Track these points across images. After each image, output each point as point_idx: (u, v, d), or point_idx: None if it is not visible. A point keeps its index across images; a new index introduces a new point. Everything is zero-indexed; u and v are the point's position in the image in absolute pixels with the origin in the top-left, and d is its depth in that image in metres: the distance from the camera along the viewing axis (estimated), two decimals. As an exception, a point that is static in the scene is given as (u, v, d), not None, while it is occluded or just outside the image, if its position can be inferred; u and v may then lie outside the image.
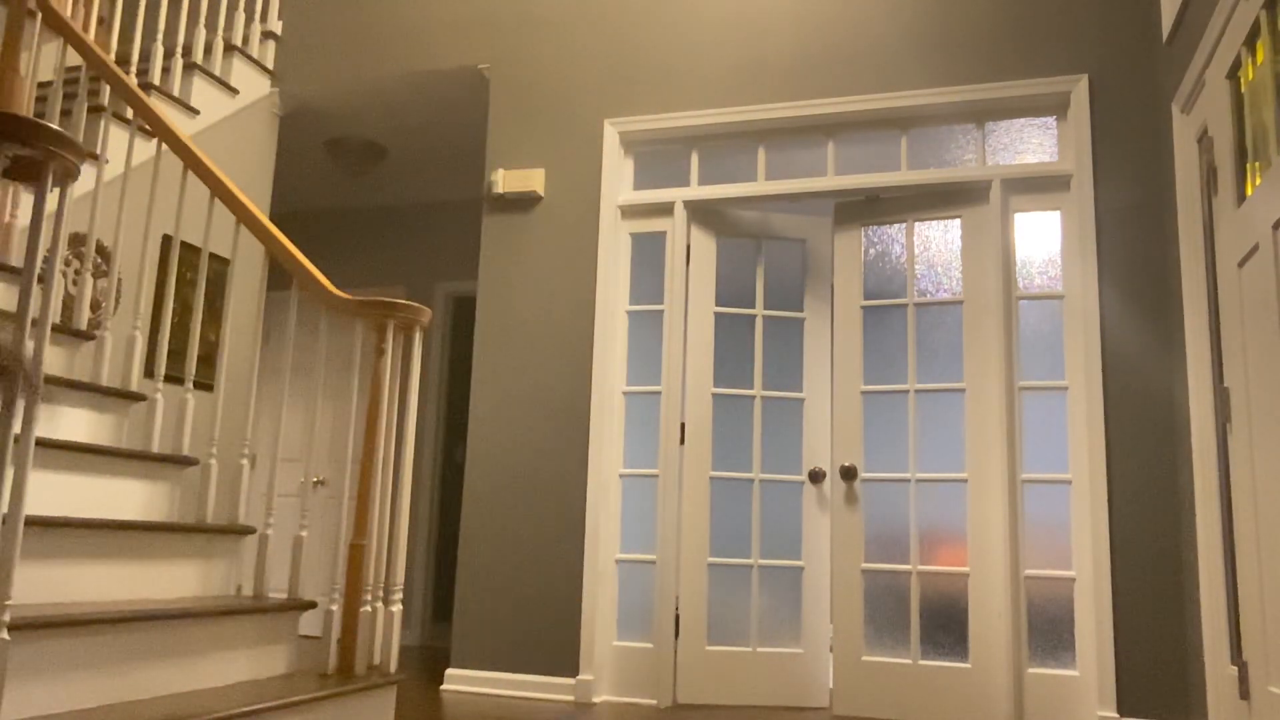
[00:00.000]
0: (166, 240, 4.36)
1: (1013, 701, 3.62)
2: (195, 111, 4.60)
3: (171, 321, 3.59)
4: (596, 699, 4.06)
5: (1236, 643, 2.93)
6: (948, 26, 4.13)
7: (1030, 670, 3.67)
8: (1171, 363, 3.61)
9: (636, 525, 4.24)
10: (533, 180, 4.52)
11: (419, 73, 4.93)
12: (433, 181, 6.36)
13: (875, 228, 4.28)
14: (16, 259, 3.60)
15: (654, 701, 4.03)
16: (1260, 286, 2.59)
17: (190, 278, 4.47)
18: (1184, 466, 3.46)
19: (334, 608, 2.87)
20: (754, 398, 4.30)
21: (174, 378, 4.24)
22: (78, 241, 4.05)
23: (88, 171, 3.89)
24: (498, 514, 4.32)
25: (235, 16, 5.00)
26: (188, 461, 3.11)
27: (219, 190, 3.18)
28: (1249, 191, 2.76)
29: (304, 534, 2.99)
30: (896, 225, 4.24)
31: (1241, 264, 2.76)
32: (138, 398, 3.22)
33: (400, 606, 3.01)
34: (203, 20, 4.77)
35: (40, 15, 3.61)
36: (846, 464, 4.09)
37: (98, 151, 3.66)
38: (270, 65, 5.18)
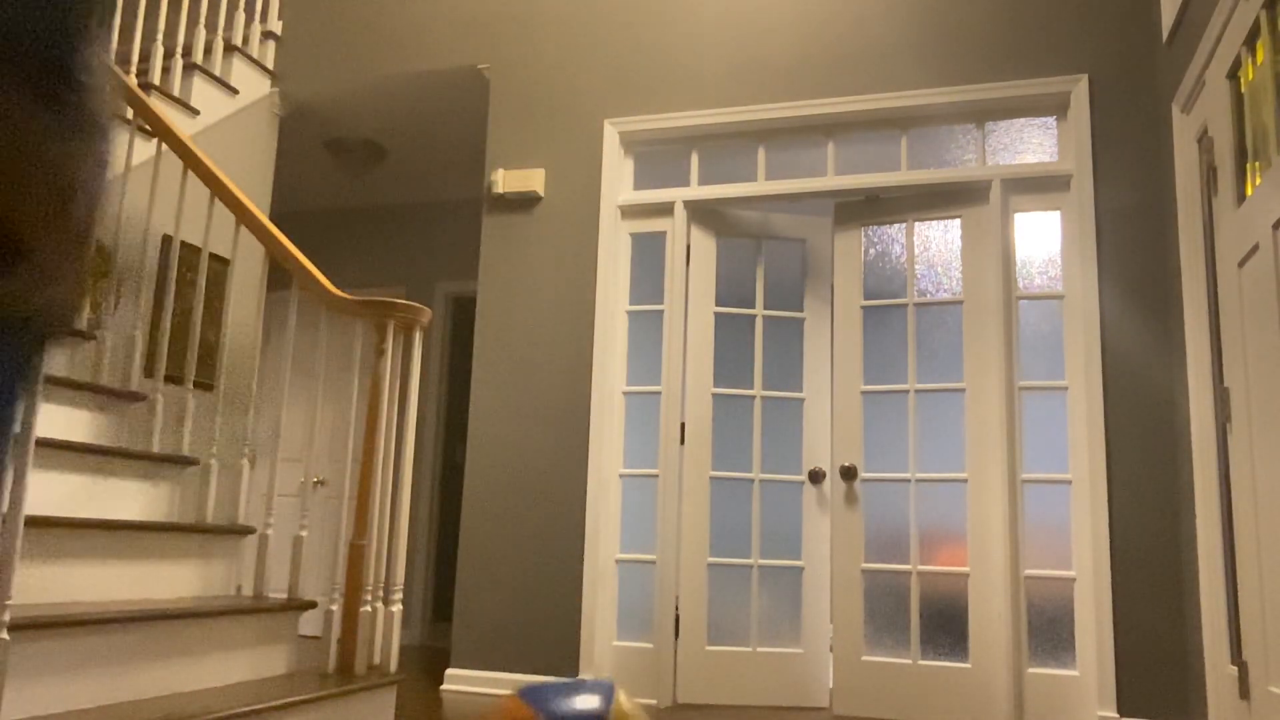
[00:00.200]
0: (166, 240, 4.36)
1: (1013, 701, 3.62)
2: (195, 111, 4.60)
3: (171, 321, 3.59)
4: (596, 699, 4.06)
5: (1236, 643, 2.93)
6: (947, 26, 4.13)
7: (1030, 670, 3.67)
8: (1171, 363, 3.61)
9: (636, 525, 4.24)
10: (533, 180, 4.52)
11: (419, 73, 4.93)
12: (433, 181, 6.36)
13: (875, 228, 4.28)
14: (16, 259, 3.59)
15: (654, 701, 4.03)
16: (1260, 286, 2.59)
17: (190, 278, 4.47)
18: (1184, 466, 3.46)
19: (334, 608, 2.87)
20: (754, 398, 4.30)
21: (174, 378, 4.24)
22: (78, 241, 4.04)
23: (88, 171, 3.88)
24: (498, 514, 4.32)
25: (235, 16, 5.00)
26: (188, 461, 3.11)
27: (219, 190, 3.18)
28: (1249, 191, 2.76)
29: (304, 534, 2.99)
30: (896, 225, 4.24)
31: (1241, 264, 2.76)
32: (138, 398, 3.22)
33: (400, 606, 3.01)
34: (203, 20, 4.77)
35: (40, 15, 3.61)
36: (846, 464, 4.09)
37: (98, 151, 3.65)
38: (270, 65, 5.18)
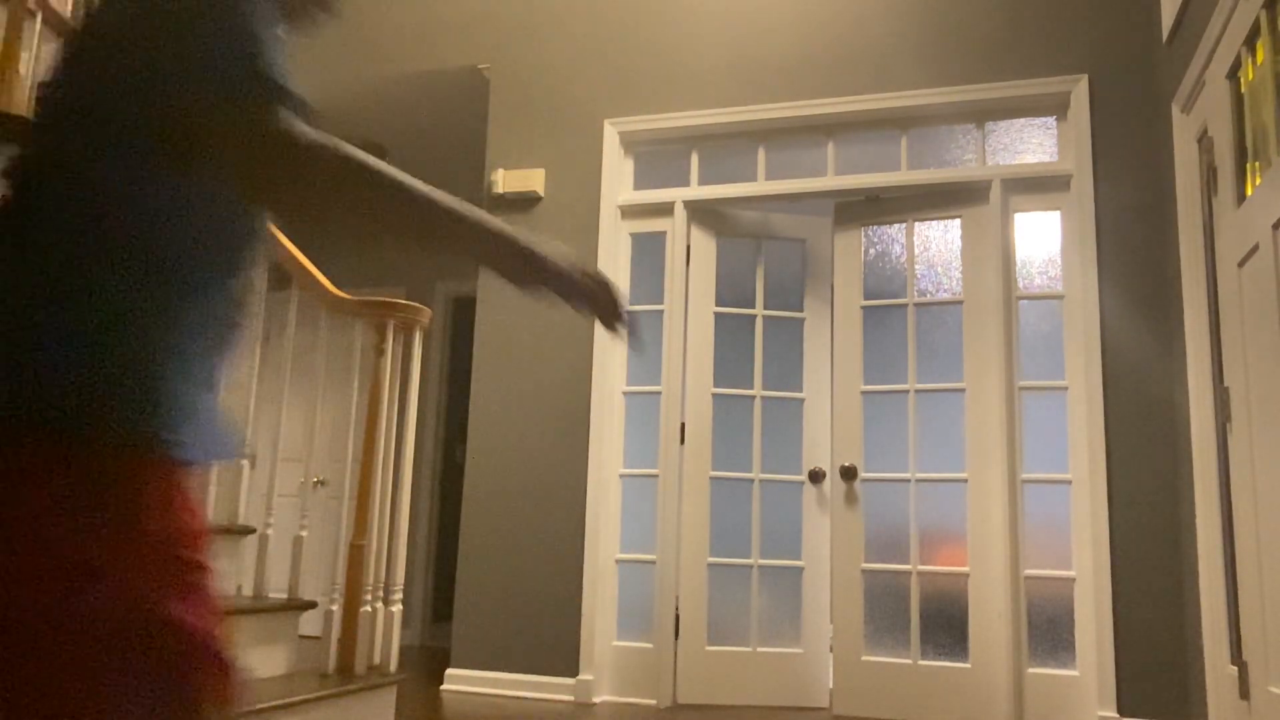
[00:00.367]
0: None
1: (1013, 701, 3.62)
2: (195, 111, 4.60)
3: (171, 321, 3.59)
4: (596, 699, 4.06)
5: (1236, 643, 2.92)
6: (947, 26, 4.13)
7: (1030, 670, 3.67)
8: (1171, 362, 3.61)
9: (636, 525, 4.24)
10: (533, 180, 4.52)
11: (419, 73, 4.93)
12: (433, 181, 6.36)
13: (875, 228, 4.28)
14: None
15: (654, 701, 4.03)
16: (1260, 286, 2.59)
17: (190, 278, 4.46)
18: (1184, 466, 3.45)
19: (334, 608, 2.86)
20: (754, 398, 4.30)
21: (174, 378, 4.24)
22: (78, 241, 4.04)
23: (88, 171, 3.88)
24: (498, 514, 4.32)
25: (235, 16, 5.00)
26: (188, 461, 3.11)
27: (219, 190, 3.18)
28: (1249, 191, 2.76)
29: (304, 534, 2.99)
30: (896, 225, 4.24)
31: (1241, 264, 2.76)
32: (138, 398, 3.21)
33: (400, 606, 3.01)
34: (203, 20, 4.77)
35: (40, 15, 3.61)
36: (846, 464, 4.09)
37: (98, 151, 3.65)
38: (270, 65, 5.18)
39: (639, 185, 4.55)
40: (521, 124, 4.66)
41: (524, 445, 4.35)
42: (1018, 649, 3.66)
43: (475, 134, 5.62)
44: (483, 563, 4.30)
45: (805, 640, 4.13)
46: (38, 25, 3.63)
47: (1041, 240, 3.97)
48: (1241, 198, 2.82)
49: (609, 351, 4.33)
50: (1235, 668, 2.87)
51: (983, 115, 4.11)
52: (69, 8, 4.17)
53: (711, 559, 4.17)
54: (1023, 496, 3.77)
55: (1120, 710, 3.50)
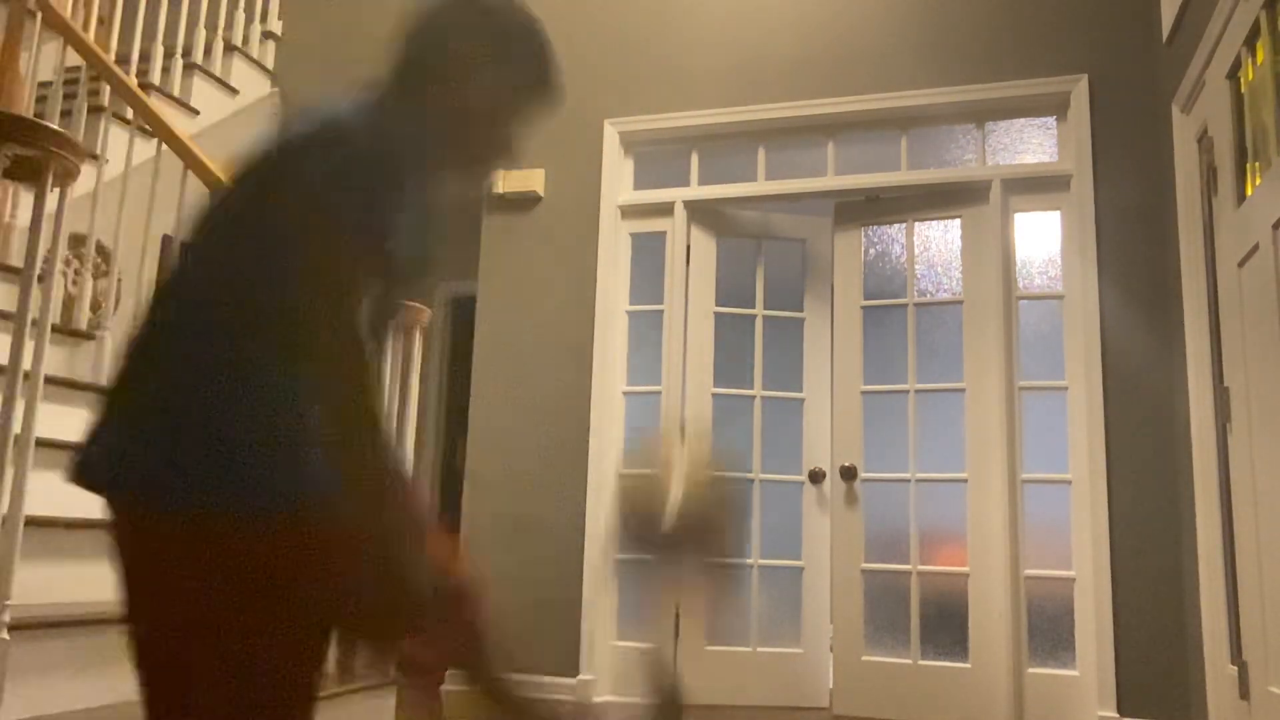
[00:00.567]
0: (166, 240, 4.35)
1: (1013, 701, 3.62)
2: (195, 111, 4.60)
3: (171, 321, 3.59)
4: (596, 699, 4.06)
5: (1236, 643, 2.93)
6: (947, 26, 4.13)
7: (1030, 670, 3.67)
8: (1171, 363, 3.61)
9: (636, 525, 4.23)
10: (533, 180, 4.52)
11: (419, 73, 4.92)
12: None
13: (875, 228, 4.28)
14: (16, 259, 3.60)
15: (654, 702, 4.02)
16: (1260, 286, 2.59)
17: (190, 278, 4.46)
18: (1184, 466, 3.45)
19: (334, 608, 2.86)
20: (754, 398, 4.30)
21: (174, 378, 4.24)
22: (78, 242, 4.05)
23: (88, 171, 3.89)
24: (498, 513, 4.32)
25: (235, 16, 5.01)
26: (188, 461, 3.10)
27: (219, 190, 3.18)
28: (1249, 191, 2.76)
29: (304, 534, 2.98)
30: (896, 225, 4.24)
31: (1241, 264, 2.76)
32: (138, 398, 3.21)
33: (400, 606, 3.00)
34: (203, 20, 4.77)
35: (40, 15, 3.61)
36: (846, 464, 4.09)
37: (98, 151, 3.66)
38: (270, 65, 5.18)
39: (639, 185, 4.55)
40: (521, 124, 4.65)
41: (524, 445, 4.35)
42: (1018, 649, 3.66)
43: (475, 134, 5.61)
44: (483, 562, 4.30)
45: (805, 640, 4.13)
46: (38, 25, 3.63)
47: (1041, 240, 3.97)
48: (1241, 198, 2.82)
49: (609, 351, 4.33)
50: (1235, 668, 2.87)
51: (983, 115, 4.11)
52: (69, 8, 4.17)
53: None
54: (1023, 496, 3.77)
55: (1120, 710, 3.50)
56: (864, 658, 3.94)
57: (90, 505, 2.76)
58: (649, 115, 4.45)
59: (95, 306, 3.99)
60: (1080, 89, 3.89)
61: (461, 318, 6.59)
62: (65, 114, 4.30)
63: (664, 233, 4.42)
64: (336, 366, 1.04)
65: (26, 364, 2.10)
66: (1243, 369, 2.76)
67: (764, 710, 3.98)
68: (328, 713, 2.59)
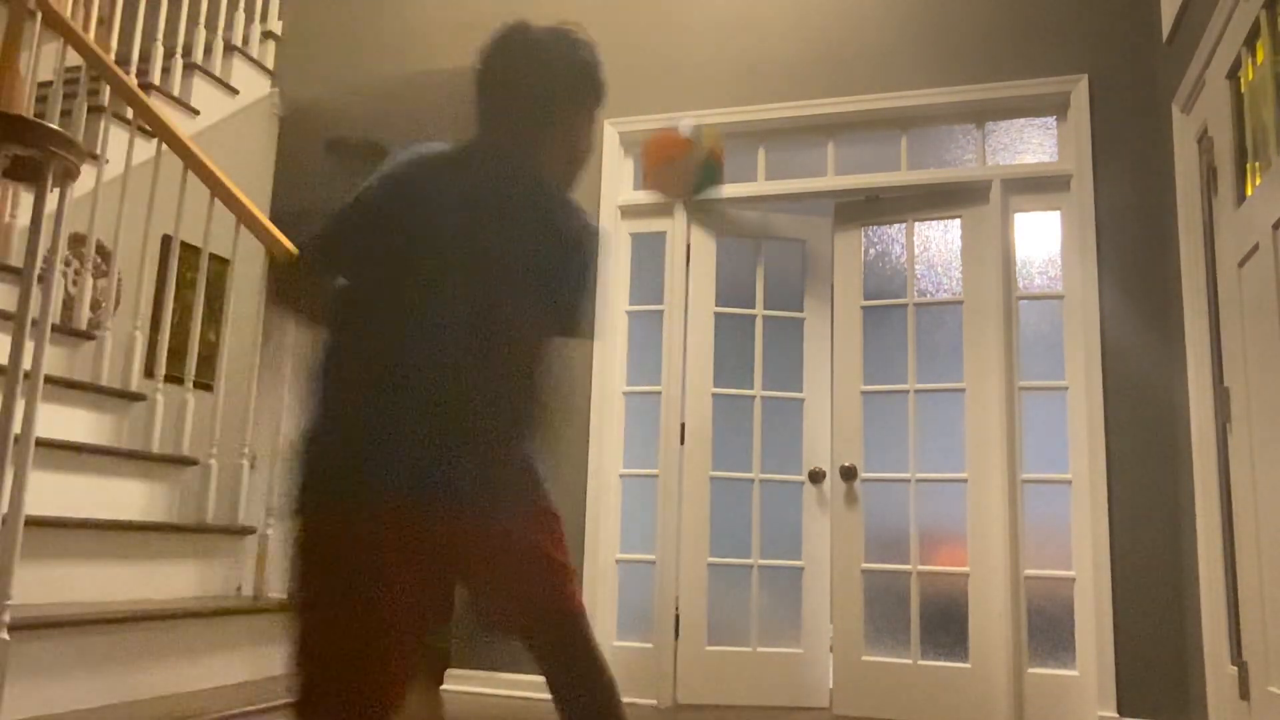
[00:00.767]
0: (166, 240, 4.35)
1: (1013, 701, 3.62)
2: (195, 111, 4.60)
3: (171, 321, 3.60)
4: (596, 699, 4.05)
5: (1236, 643, 2.93)
6: (947, 26, 4.13)
7: (1030, 670, 3.67)
8: (1171, 363, 3.61)
9: (636, 525, 4.24)
10: (533, 180, 4.51)
11: (419, 73, 4.93)
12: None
13: (875, 228, 4.28)
14: (16, 259, 3.60)
15: (654, 702, 4.03)
16: (1260, 286, 2.59)
17: (190, 278, 4.47)
18: (1184, 466, 3.45)
19: (334, 608, 2.86)
20: (754, 398, 4.30)
21: (174, 378, 4.24)
22: (78, 241, 4.05)
23: (88, 171, 3.89)
24: (498, 514, 4.32)
25: (235, 16, 5.00)
26: (187, 462, 3.12)
27: (219, 190, 3.19)
28: (1249, 191, 2.76)
29: (304, 534, 2.98)
30: (896, 225, 4.24)
31: (1241, 264, 2.76)
32: (138, 398, 3.22)
33: (400, 606, 3.00)
34: (203, 20, 4.77)
35: (40, 15, 3.61)
36: (846, 464, 4.09)
37: (98, 151, 3.66)
38: (270, 65, 5.18)
39: (639, 185, 4.55)
40: (521, 124, 4.66)
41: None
42: (1018, 649, 3.66)
43: (475, 134, 5.61)
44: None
45: (805, 640, 4.13)
46: (38, 25, 3.63)
47: (1041, 240, 3.97)
48: (1241, 198, 2.82)
49: (609, 351, 4.33)
50: (1235, 668, 2.87)
51: (983, 115, 4.11)
52: (69, 8, 4.17)
53: (711, 559, 4.17)
54: (1023, 496, 3.77)
55: (1120, 710, 3.50)
56: (864, 658, 3.94)
57: (90, 505, 2.76)
58: (649, 115, 4.45)
59: (95, 306, 3.99)
60: (1080, 89, 3.89)
61: (461, 318, 6.59)
62: (65, 114, 4.30)
63: (664, 233, 4.43)
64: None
65: (26, 364, 2.10)
66: (1243, 369, 2.76)
67: (764, 710, 3.98)
68: (328, 713, 2.59)
